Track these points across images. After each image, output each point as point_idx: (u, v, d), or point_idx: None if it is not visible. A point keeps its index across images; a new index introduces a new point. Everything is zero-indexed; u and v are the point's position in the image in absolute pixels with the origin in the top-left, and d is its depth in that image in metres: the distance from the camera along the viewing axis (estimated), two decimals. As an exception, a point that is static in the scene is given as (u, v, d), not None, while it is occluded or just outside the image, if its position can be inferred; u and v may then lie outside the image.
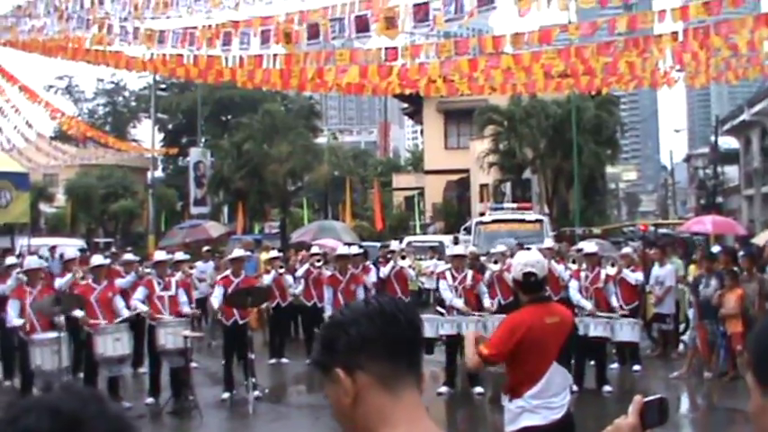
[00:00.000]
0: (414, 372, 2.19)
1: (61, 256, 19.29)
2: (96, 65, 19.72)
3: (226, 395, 14.00)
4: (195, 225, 36.35)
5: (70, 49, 19.26)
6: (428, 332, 13.59)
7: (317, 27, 13.18)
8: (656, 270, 17.82)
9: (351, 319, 2.18)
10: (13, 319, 12.60)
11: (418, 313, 2.27)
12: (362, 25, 12.91)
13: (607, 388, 14.09)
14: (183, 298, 14.15)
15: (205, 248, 23.72)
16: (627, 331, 14.67)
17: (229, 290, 14.37)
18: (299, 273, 18.31)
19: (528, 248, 12.67)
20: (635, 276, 16.73)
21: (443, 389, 14.20)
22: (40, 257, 17.44)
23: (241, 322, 14.20)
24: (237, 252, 15.78)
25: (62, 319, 12.33)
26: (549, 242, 19.11)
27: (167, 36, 16.04)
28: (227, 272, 15.18)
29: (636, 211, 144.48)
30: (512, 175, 40.73)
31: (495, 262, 16.60)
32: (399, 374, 2.15)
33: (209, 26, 14.77)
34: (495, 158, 40.24)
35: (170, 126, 69.82)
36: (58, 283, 13.98)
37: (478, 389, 14.01)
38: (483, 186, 42.88)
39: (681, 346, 17.83)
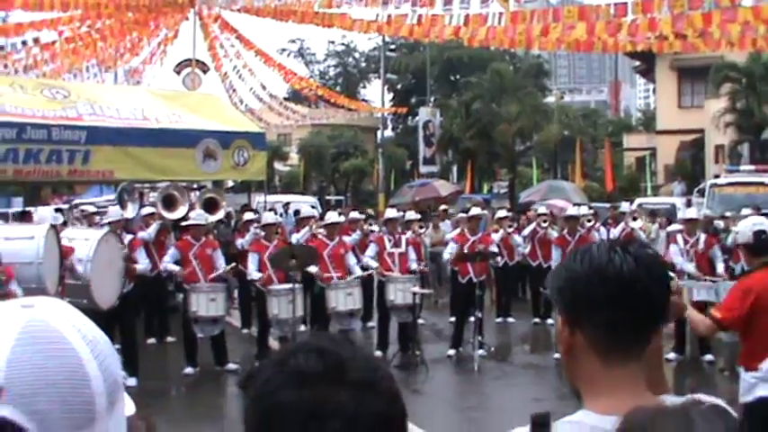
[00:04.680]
0: (639, 342, 1.95)
1: (296, 212, 20.06)
2: (325, 27, 20.38)
3: (452, 352, 14.24)
4: (425, 184, 36.76)
5: (299, 12, 19.97)
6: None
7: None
8: None
9: (583, 274, 1.93)
10: (253, 273, 13.26)
11: (665, 276, 1.99)
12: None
13: None
14: (412, 255, 14.47)
15: (441, 208, 24.05)
16: None
17: (465, 247, 14.70)
18: (525, 232, 18.28)
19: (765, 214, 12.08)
20: None
21: (672, 355, 13.84)
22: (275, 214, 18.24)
23: (475, 280, 14.30)
24: (475, 210, 15.95)
25: (297, 274, 12.88)
26: (789, 207, 18.17)
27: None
28: (463, 229, 15.48)
29: None
30: (750, 135, 38.99)
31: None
32: (618, 345, 1.92)
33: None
34: (731, 118, 38.59)
35: (399, 86, 70.54)
36: (295, 237, 14.60)
37: (709, 356, 13.60)
38: (718, 147, 41.21)
39: None
